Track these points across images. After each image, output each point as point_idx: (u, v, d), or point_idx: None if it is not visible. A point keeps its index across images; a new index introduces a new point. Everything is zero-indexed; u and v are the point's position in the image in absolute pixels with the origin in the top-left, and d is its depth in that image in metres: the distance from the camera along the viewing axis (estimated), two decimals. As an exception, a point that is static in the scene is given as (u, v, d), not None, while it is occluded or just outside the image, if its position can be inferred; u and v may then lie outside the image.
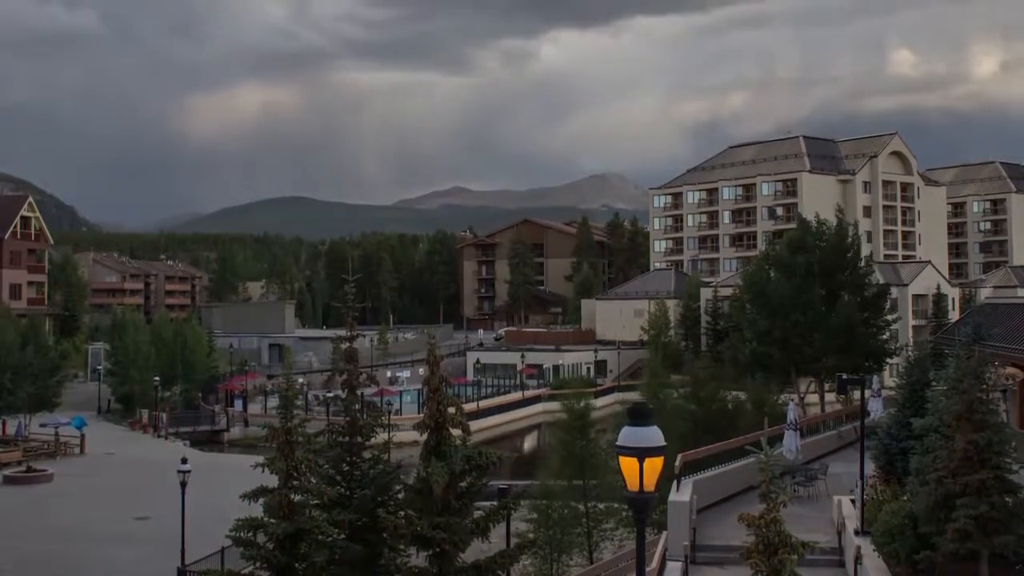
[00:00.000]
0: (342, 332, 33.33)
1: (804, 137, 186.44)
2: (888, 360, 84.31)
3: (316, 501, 30.40)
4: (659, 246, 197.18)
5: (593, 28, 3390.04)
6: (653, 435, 13.26)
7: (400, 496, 31.24)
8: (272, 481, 30.08)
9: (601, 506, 48.49)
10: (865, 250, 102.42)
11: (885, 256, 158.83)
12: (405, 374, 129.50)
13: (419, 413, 65.12)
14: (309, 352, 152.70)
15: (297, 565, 29.31)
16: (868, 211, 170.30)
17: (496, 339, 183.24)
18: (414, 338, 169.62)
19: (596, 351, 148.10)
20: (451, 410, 29.83)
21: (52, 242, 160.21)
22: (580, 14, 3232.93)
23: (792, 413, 44.66)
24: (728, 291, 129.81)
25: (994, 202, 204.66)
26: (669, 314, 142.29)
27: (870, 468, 36.90)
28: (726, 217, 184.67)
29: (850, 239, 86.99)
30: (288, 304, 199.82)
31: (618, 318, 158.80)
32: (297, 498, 29.73)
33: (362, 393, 33.39)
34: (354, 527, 30.53)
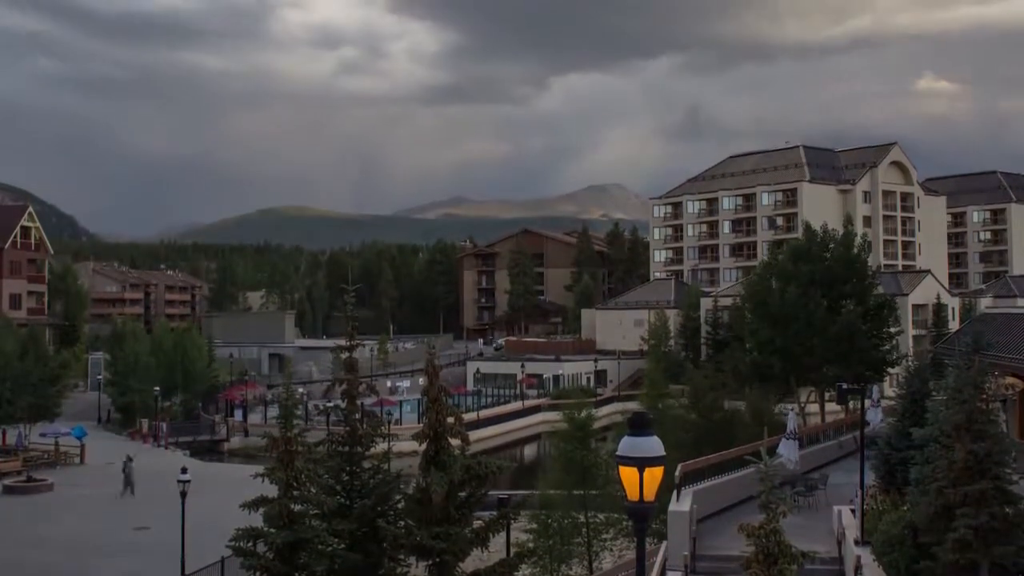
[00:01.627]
0: (342, 342, 33.34)
1: (804, 147, 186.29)
2: (888, 370, 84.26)
3: (316, 511, 30.36)
4: (659, 256, 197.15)
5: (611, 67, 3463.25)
6: (653, 445, 13.25)
7: (400, 506, 31.22)
8: (272, 491, 30.08)
9: (601, 516, 48.46)
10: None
11: (885, 266, 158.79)
12: (405, 384, 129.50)
13: (419, 423, 65.10)
14: (309, 362, 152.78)
15: (297, 575, 29.30)
16: (868, 221, 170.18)
17: (496, 349, 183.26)
18: (414, 348, 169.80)
19: (596, 361, 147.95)
20: (450, 420, 29.83)
21: (52, 252, 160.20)
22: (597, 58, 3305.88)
23: (792, 423, 44.67)
24: (728, 301, 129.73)
25: (994, 212, 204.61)
26: (669, 324, 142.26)
27: (870, 478, 36.93)
28: (726, 227, 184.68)
29: (856, 249, 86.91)
30: (288, 314, 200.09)
31: (618, 328, 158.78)
32: (297, 508, 29.72)
33: (362, 403, 33.39)
34: (354, 537, 30.50)
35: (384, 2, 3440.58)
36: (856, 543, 32.45)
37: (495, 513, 32.93)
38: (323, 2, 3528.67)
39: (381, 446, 35.95)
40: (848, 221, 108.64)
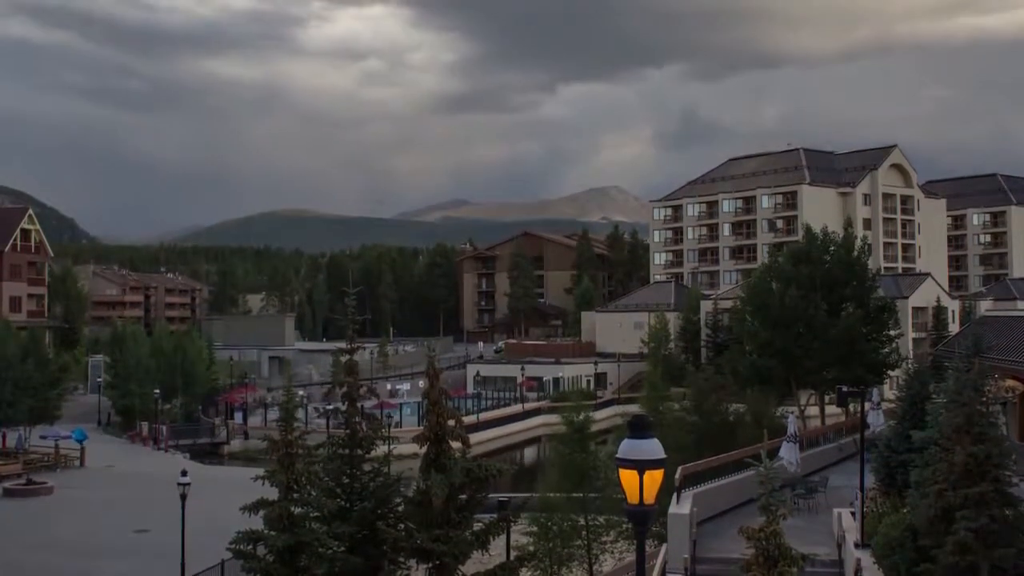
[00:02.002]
0: (342, 345, 33.33)
1: (804, 150, 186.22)
2: (888, 373, 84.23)
3: (316, 513, 30.38)
4: (659, 258, 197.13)
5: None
6: (653, 447, 13.26)
7: (400, 509, 31.23)
8: (272, 493, 30.08)
9: (601, 519, 48.42)
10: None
11: (885, 269, 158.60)
12: (405, 387, 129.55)
13: (419, 426, 65.07)
14: (309, 365, 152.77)
15: (297, 577, 29.30)
16: (868, 223, 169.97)
17: (496, 352, 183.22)
18: (414, 351, 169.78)
19: (596, 363, 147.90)
20: (451, 423, 29.84)
21: (52, 254, 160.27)
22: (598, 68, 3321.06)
23: (792, 426, 44.71)
24: (728, 303, 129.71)
25: (994, 215, 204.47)
26: (669, 327, 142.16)
27: (870, 481, 36.94)
28: (726, 229, 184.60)
29: (856, 252, 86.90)
30: (288, 317, 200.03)
31: (618, 330, 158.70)
32: (297, 510, 29.73)
33: (362, 406, 33.39)
34: (354, 540, 30.50)
35: (406, 16, 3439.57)
36: (856, 546, 32.47)
37: (495, 516, 32.96)
38: (346, 16, 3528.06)
39: (381, 449, 36.01)
40: (848, 224, 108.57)
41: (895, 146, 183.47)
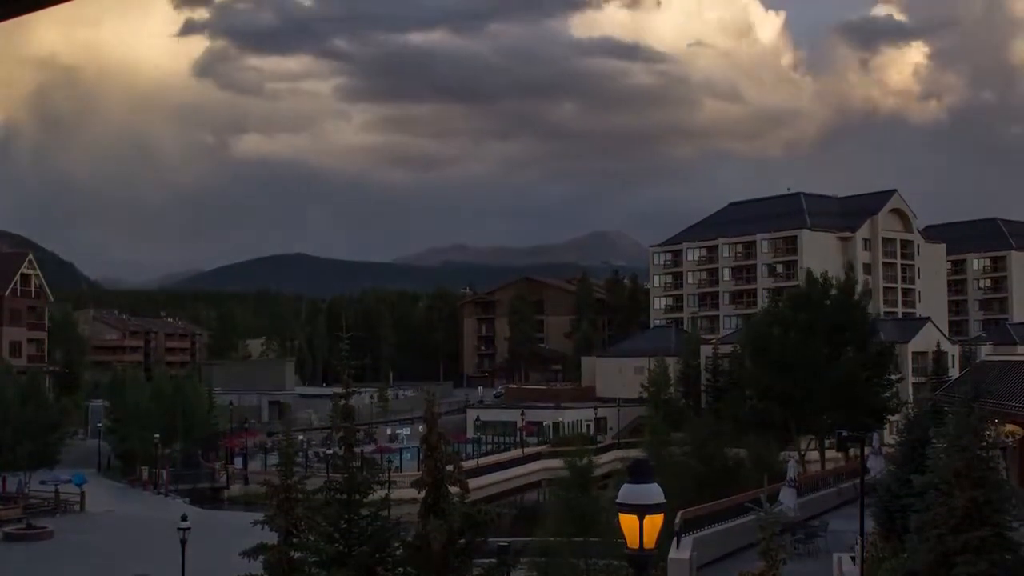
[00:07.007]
0: (341, 389, 33.39)
1: (804, 194, 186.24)
2: (888, 417, 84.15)
3: (315, 558, 30.33)
4: (659, 303, 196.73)
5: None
6: (653, 492, 13.26)
7: (399, 553, 31.20)
8: (271, 538, 30.06)
9: (601, 563, 48.26)
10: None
11: (885, 313, 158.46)
12: (405, 431, 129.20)
13: (419, 470, 64.97)
14: (309, 409, 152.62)
15: (296, 622, 29.23)
16: (868, 268, 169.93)
17: (496, 396, 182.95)
18: (414, 395, 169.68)
19: (596, 408, 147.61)
20: (449, 467, 29.86)
21: (52, 299, 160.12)
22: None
23: (792, 470, 44.72)
24: (728, 348, 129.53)
25: (994, 259, 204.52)
26: (669, 371, 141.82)
27: (870, 525, 36.92)
28: (726, 274, 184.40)
29: (856, 296, 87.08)
30: (288, 361, 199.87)
31: (618, 375, 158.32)
32: (296, 555, 29.68)
33: (361, 450, 33.42)
34: (353, 584, 30.45)
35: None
36: (856, 591, 32.41)
37: (495, 560, 32.91)
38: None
39: (380, 493, 36.00)
40: (849, 268, 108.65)
41: (895, 191, 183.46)
